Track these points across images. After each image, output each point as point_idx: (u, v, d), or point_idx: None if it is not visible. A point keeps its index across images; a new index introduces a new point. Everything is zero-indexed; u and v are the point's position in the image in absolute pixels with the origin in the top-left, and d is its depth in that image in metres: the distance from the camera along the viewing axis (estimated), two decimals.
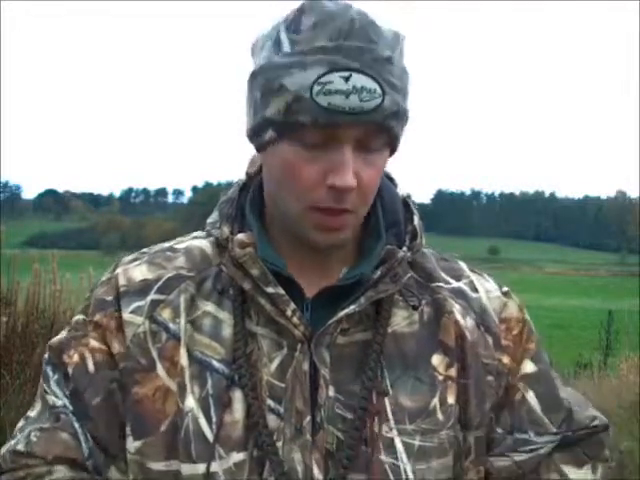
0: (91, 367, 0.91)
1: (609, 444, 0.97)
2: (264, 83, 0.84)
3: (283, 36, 0.84)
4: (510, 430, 0.93)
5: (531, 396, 0.94)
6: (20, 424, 0.94)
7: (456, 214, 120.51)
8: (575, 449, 0.95)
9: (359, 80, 0.80)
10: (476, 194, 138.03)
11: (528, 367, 0.95)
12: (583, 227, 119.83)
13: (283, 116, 0.83)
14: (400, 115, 0.85)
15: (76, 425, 0.90)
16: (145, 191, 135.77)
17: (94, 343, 0.92)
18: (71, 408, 0.90)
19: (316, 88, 0.80)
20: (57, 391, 0.92)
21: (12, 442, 0.92)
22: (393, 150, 0.90)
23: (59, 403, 0.91)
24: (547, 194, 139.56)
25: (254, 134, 0.88)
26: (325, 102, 0.80)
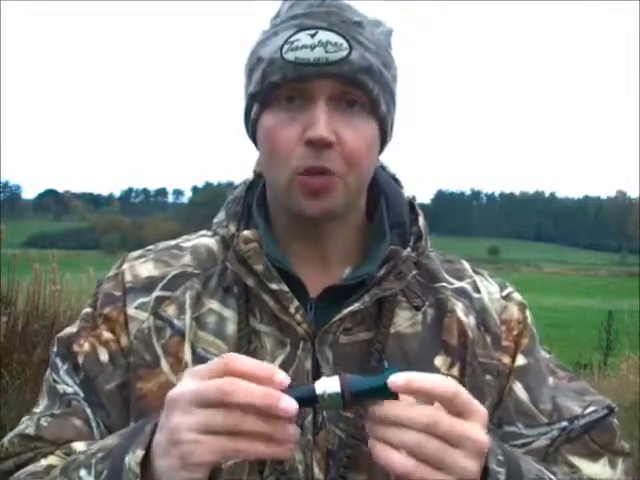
0: (104, 357, 0.90)
1: (620, 432, 0.93)
2: (248, 64, 0.90)
3: (267, 24, 0.90)
4: (499, 423, 0.91)
5: (518, 387, 0.92)
6: (25, 418, 0.92)
7: (456, 214, 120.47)
8: (583, 438, 0.91)
9: (325, 35, 0.83)
10: (476, 194, 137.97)
11: (518, 360, 0.93)
12: (583, 227, 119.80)
13: (260, 84, 0.86)
14: (375, 74, 0.85)
15: (88, 411, 0.89)
16: (145, 191, 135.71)
17: (107, 334, 0.91)
18: (82, 395, 0.90)
19: (285, 47, 0.83)
20: (67, 379, 0.91)
21: (20, 427, 0.90)
22: (382, 127, 0.89)
23: (70, 390, 0.90)
24: (547, 194, 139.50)
25: (246, 119, 0.91)
26: (292, 57, 0.83)
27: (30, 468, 0.86)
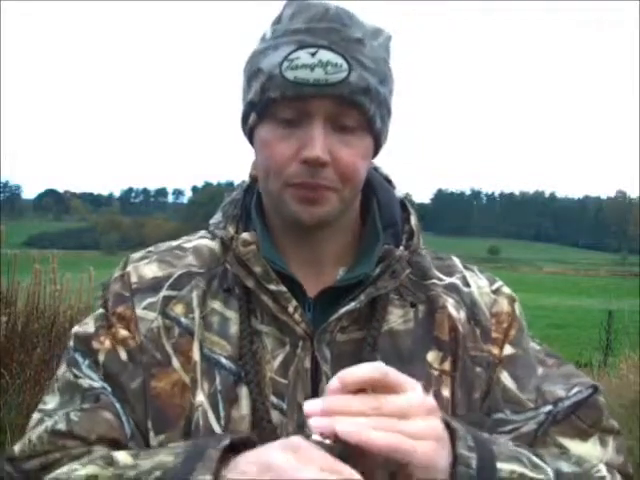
0: (124, 355, 0.91)
1: (607, 410, 0.93)
2: (247, 71, 0.91)
3: (267, 29, 0.90)
4: (487, 412, 0.92)
5: (505, 376, 0.93)
6: (36, 416, 0.91)
7: (456, 214, 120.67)
8: (570, 418, 0.92)
9: (325, 55, 0.84)
10: (476, 194, 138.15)
11: (505, 350, 0.95)
12: (583, 227, 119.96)
13: (259, 96, 0.87)
14: (372, 94, 0.86)
15: (117, 405, 0.88)
16: (145, 191, 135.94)
17: (123, 332, 0.92)
18: (109, 390, 0.89)
19: (285, 64, 0.84)
20: (92, 374, 0.91)
21: (49, 423, 0.87)
22: (377, 140, 0.90)
23: (97, 385, 0.90)
24: (547, 194, 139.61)
25: (244, 123, 0.92)
26: (292, 76, 0.84)
27: (63, 478, 0.82)
